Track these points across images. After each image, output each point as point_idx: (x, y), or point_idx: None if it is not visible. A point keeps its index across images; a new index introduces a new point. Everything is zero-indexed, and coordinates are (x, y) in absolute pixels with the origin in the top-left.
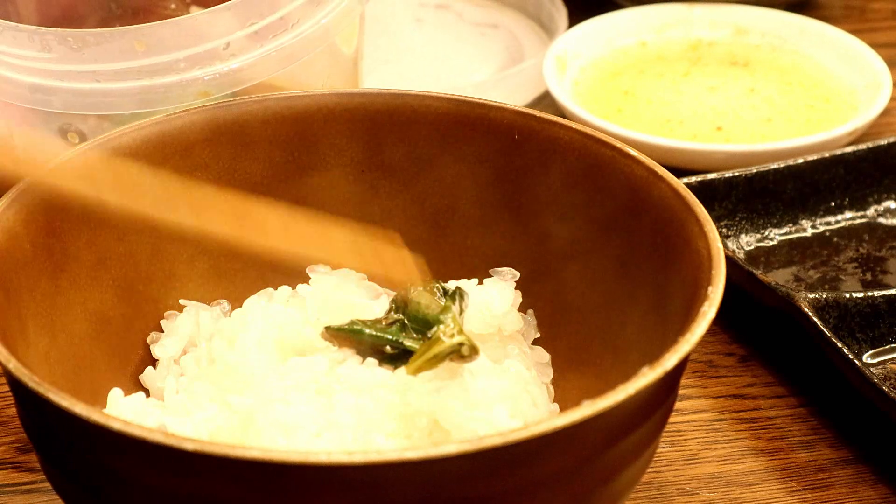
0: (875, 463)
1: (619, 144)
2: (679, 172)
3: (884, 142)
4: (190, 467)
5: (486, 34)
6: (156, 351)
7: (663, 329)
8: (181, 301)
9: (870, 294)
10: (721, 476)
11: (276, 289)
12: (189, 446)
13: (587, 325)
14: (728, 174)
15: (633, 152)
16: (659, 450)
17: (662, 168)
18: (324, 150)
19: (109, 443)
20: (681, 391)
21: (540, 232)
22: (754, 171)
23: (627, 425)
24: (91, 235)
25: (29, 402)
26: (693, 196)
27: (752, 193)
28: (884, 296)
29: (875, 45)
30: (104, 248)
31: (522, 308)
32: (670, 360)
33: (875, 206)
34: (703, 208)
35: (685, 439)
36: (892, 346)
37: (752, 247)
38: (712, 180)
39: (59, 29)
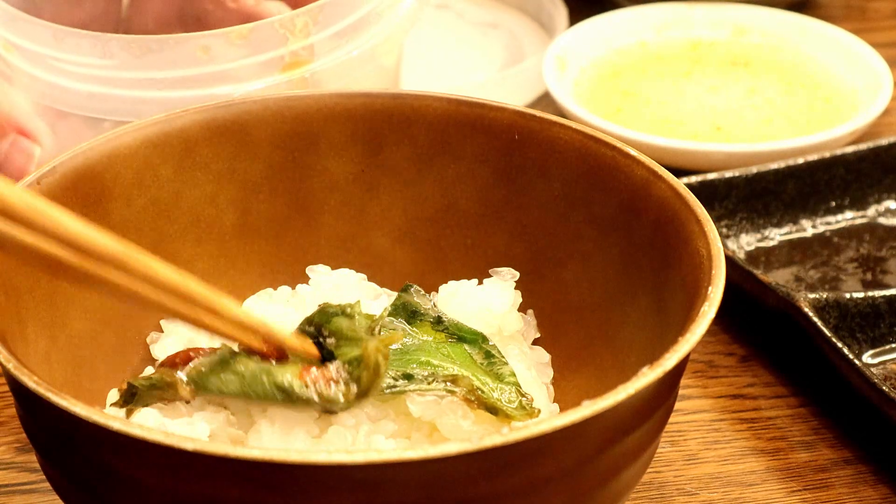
0: (875, 463)
1: (619, 144)
2: (679, 172)
3: (884, 142)
4: (190, 467)
5: (486, 34)
6: (155, 351)
7: (663, 329)
8: None
9: (870, 294)
10: (721, 476)
11: (276, 289)
12: (189, 446)
13: (587, 325)
14: (728, 174)
15: (633, 152)
16: (659, 450)
17: (662, 168)
18: (324, 150)
19: (109, 443)
20: (681, 391)
21: (540, 232)
22: (754, 171)
23: (627, 425)
24: None
25: (29, 402)
26: (693, 196)
27: (752, 193)
28: (884, 296)
29: (875, 45)
30: None
31: (522, 308)
32: (670, 360)
33: (875, 206)
34: (703, 208)
35: (685, 439)
36: (892, 346)
37: (752, 247)
38: (712, 180)
39: (123, 35)
